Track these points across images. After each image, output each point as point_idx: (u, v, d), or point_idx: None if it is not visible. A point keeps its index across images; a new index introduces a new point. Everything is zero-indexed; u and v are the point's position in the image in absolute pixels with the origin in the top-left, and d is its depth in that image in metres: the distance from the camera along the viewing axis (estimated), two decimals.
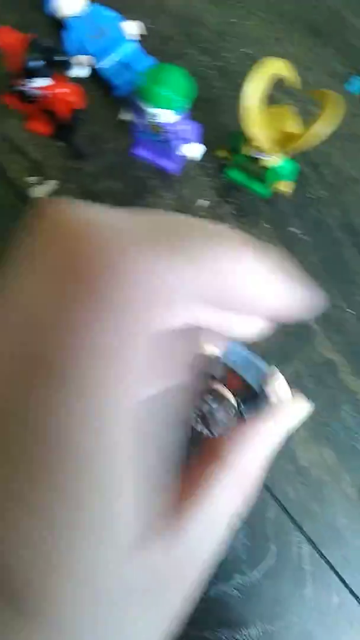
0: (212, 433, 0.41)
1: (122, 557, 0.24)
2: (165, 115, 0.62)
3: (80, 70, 0.70)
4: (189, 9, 0.76)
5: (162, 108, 0.61)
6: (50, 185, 0.73)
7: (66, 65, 0.61)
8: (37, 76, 0.62)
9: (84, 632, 0.24)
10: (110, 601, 0.25)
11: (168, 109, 0.61)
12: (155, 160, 0.70)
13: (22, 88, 0.63)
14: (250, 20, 0.77)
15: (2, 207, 0.69)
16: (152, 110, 0.61)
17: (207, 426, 0.42)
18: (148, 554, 0.26)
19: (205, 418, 0.42)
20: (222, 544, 0.36)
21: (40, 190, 0.72)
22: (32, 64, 0.60)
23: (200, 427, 0.41)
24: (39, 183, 0.72)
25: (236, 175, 0.71)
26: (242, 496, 0.38)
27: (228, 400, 0.42)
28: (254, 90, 0.54)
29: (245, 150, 0.65)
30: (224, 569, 0.63)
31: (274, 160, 0.64)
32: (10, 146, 0.72)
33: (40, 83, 0.63)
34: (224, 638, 0.63)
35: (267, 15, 0.77)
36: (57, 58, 0.61)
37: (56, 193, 0.72)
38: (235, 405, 0.44)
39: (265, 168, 0.66)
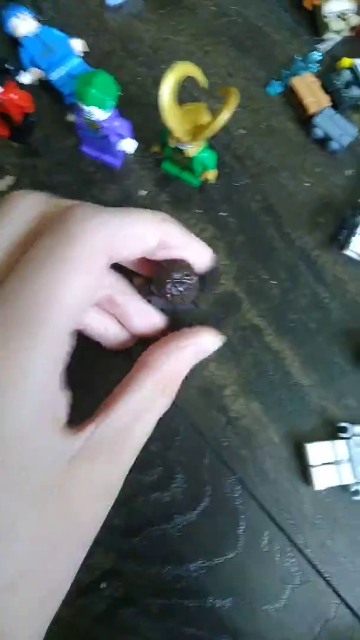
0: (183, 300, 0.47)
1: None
2: (97, 113, 0.63)
3: (26, 78, 0.67)
4: (128, 29, 0.77)
5: (93, 106, 0.63)
6: (8, 180, 0.74)
7: (14, 72, 0.63)
8: None
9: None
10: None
11: (97, 106, 0.63)
12: (99, 156, 0.67)
13: None
14: (181, 37, 0.79)
15: None
16: (85, 108, 0.64)
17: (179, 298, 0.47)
18: (82, 433, 0.37)
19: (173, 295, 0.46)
20: (146, 432, 0.43)
21: (1, 184, 0.74)
22: None
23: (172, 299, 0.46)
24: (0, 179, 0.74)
25: (169, 167, 0.68)
26: (161, 395, 0.43)
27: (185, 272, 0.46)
28: (166, 89, 0.55)
29: (170, 142, 0.62)
30: (165, 511, 0.59)
31: (193, 149, 0.62)
32: None
33: None
34: (166, 573, 0.62)
35: (196, 31, 0.79)
36: (6, 66, 0.64)
37: (14, 187, 0.74)
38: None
39: (189, 158, 0.64)
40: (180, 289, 0.46)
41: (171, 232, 0.43)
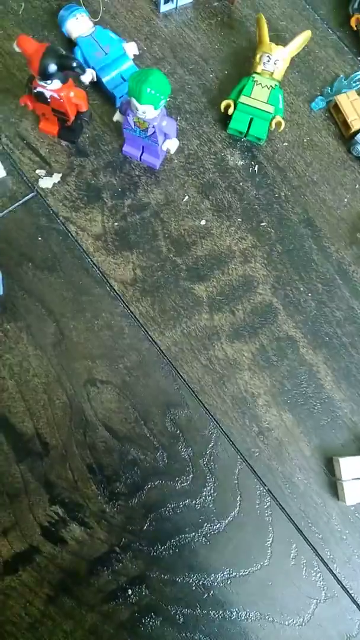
0: None
1: None
2: (148, 111, 0.49)
3: (87, 77, 0.52)
4: (179, 36, 0.63)
5: (145, 104, 0.48)
6: (55, 178, 0.59)
7: (78, 71, 0.49)
8: (51, 79, 0.49)
9: None
10: None
11: (150, 104, 0.48)
12: (141, 157, 0.52)
13: (38, 89, 0.51)
14: (230, 48, 0.64)
15: (14, 195, 0.55)
16: (138, 105, 0.49)
17: None
18: None
19: None
20: None
21: (47, 181, 0.59)
22: (48, 67, 0.48)
23: None
24: (46, 176, 0.59)
25: (237, 125, 0.54)
26: None
27: None
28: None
29: (256, 67, 0.53)
30: (195, 519, 0.45)
31: (279, 65, 0.53)
32: (24, 143, 0.53)
33: (53, 86, 0.49)
34: (192, 582, 0.50)
35: (246, 44, 0.63)
36: (71, 64, 0.49)
37: (59, 185, 0.59)
38: None
39: (272, 88, 0.52)
40: None
41: None
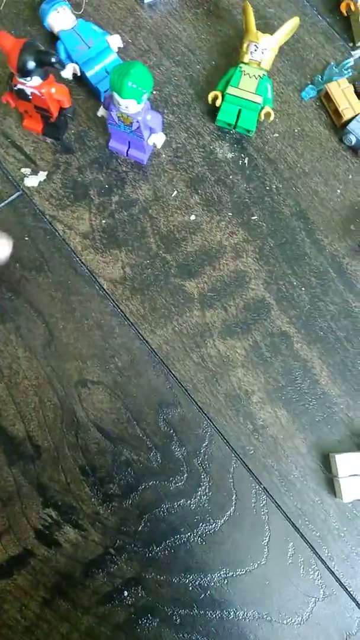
0: None
1: None
2: (131, 105, 0.46)
3: (68, 72, 0.50)
4: (164, 27, 0.60)
5: (127, 98, 0.46)
6: (41, 176, 0.57)
7: (57, 67, 0.46)
8: (31, 76, 0.47)
9: None
10: None
11: (132, 98, 0.46)
12: (127, 152, 0.50)
13: (19, 86, 0.49)
14: (218, 37, 0.61)
15: (0, 195, 0.51)
16: (120, 100, 0.47)
17: None
18: None
19: None
20: None
21: (32, 180, 0.57)
22: (27, 64, 0.46)
23: None
24: (31, 174, 0.58)
25: (226, 115, 0.51)
26: None
27: None
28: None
29: (244, 57, 0.51)
30: (190, 519, 0.44)
31: (267, 54, 0.50)
32: (8, 142, 0.51)
33: (33, 82, 0.46)
34: (189, 582, 0.49)
35: (234, 33, 0.60)
36: (50, 60, 0.47)
37: (45, 183, 0.58)
38: None
39: (260, 77, 0.50)
40: None
41: None
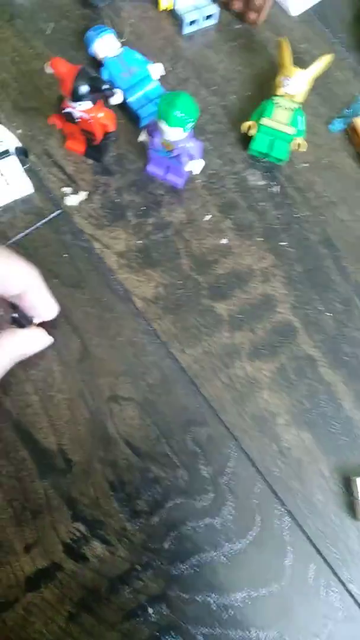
0: None
1: None
2: (176, 133, 0.46)
3: (117, 99, 0.50)
4: (202, 58, 0.60)
5: (173, 126, 0.47)
6: (81, 196, 0.56)
7: (108, 93, 0.48)
8: (82, 100, 0.49)
9: None
10: None
11: (178, 127, 0.47)
12: (164, 176, 0.51)
13: (69, 110, 0.48)
14: (252, 69, 0.62)
15: (41, 212, 0.50)
16: (166, 128, 0.48)
17: None
18: None
19: None
20: None
21: (73, 199, 0.58)
22: (80, 89, 0.46)
23: None
24: (72, 193, 0.59)
25: (258, 146, 0.52)
26: None
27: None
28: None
29: (277, 91, 0.52)
30: (215, 538, 0.43)
31: (301, 87, 0.52)
32: (50, 161, 0.52)
33: (84, 106, 0.45)
34: (212, 601, 0.49)
35: (267, 66, 0.62)
36: (102, 86, 0.48)
37: (85, 203, 0.59)
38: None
39: (293, 110, 0.51)
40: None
41: (34, 288, 0.42)
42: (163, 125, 0.43)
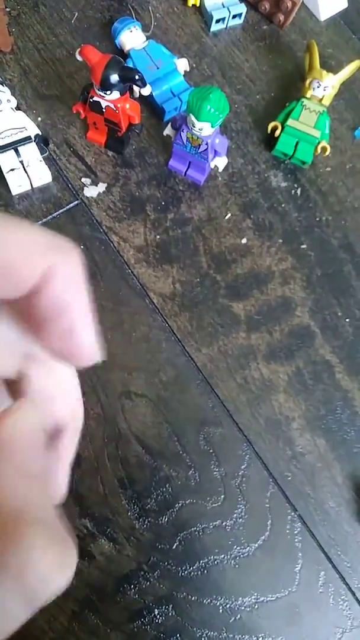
0: None
1: None
2: (205, 128, 0.46)
3: (146, 90, 0.49)
4: (228, 56, 0.62)
5: (203, 121, 0.48)
6: (100, 187, 0.57)
7: (139, 84, 0.48)
8: (111, 90, 0.46)
9: None
10: None
11: (208, 121, 0.47)
12: (186, 171, 0.52)
13: (96, 99, 0.47)
14: (278, 71, 0.64)
15: (59, 202, 0.51)
16: (195, 122, 0.48)
17: None
18: None
19: None
20: None
21: (92, 190, 0.59)
22: (110, 78, 0.44)
23: None
24: (91, 184, 0.59)
25: (283, 147, 0.53)
26: None
27: None
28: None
29: (306, 92, 0.53)
30: (225, 541, 0.44)
31: (328, 91, 0.53)
32: (71, 151, 0.52)
33: (112, 96, 0.45)
34: (220, 605, 0.49)
35: (292, 68, 0.63)
36: (134, 77, 0.48)
37: (104, 195, 0.59)
38: None
39: (320, 113, 0.53)
40: None
41: (62, 276, 0.15)
42: (192, 119, 0.43)
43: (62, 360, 0.17)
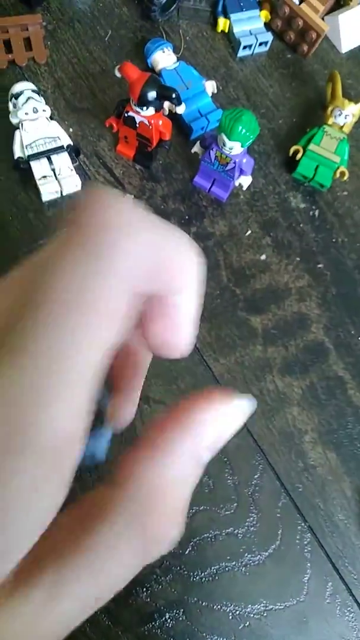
0: None
1: None
2: (236, 147, 0.48)
3: (181, 109, 0.52)
4: (253, 81, 0.66)
5: (234, 141, 0.50)
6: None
7: (174, 102, 0.51)
8: (147, 106, 0.48)
9: None
10: None
11: (239, 141, 0.49)
12: (210, 188, 0.54)
13: (131, 114, 0.49)
14: (300, 98, 0.68)
15: None
16: (228, 142, 0.51)
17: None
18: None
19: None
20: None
21: None
22: (148, 95, 0.46)
23: None
24: None
25: (305, 169, 0.56)
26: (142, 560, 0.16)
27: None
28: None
29: (328, 119, 0.56)
30: (236, 548, 0.45)
31: (349, 119, 0.56)
32: (100, 162, 0.55)
33: (147, 112, 0.48)
34: (229, 612, 0.50)
35: (313, 95, 0.67)
36: (171, 95, 0.50)
37: None
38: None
39: (340, 140, 0.55)
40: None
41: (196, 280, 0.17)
42: (224, 139, 0.46)
43: (157, 351, 0.18)
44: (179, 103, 0.47)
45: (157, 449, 0.16)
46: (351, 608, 0.46)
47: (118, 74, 0.47)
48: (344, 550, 0.47)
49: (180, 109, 0.50)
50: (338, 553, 0.47)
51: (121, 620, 0.43)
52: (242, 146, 0.47)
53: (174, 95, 0.46)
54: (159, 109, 0.48)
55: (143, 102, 0.46)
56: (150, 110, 0.47)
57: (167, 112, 0.55)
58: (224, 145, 0.47)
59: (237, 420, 0.18)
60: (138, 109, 0.47)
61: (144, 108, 0.47)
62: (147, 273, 0.15)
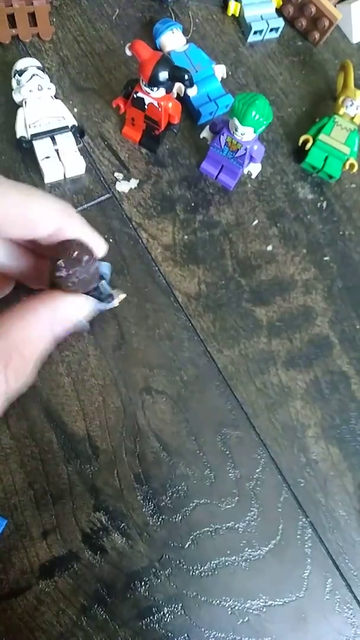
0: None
1: None
2: (248, 133, 0.46)
3: (193, 91, 0.51)
4: (262, 67, 0.64)
5: (247, 126, 0.49)
6: (132, 183, 0.55)
7: (186, 84, 0.49)
8: (158, 87, 0.46)
9: None
10: None
11: (251, 127, 0.45)
12: (217, 176, 0.53)
13: (141, 95, 0.47)
14: (310, 87, 0.67)
15: (90, 194, 0.52)
16: (240, 127, 0.50)
17: None
18: None
19: None
20: None
21: (124, 185, 0.59)
22: (160, 75, 0.44)
23: None
24: (123, 179, 0.60)
25: (314, 160, 0.55)
26: (3, 370, 0.25)
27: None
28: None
29: (339, 109, 0.55)
30: (237, 543, 0.45)
31: None
32: (104, 144, 0.53)
33: (157, 94, 0.46)
34: (228, 606, 0.50)
35: (324, 85, 0.66)
36: (184, 76, 0.48)
37: (135, 191, 0.60)
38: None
39: (350, 131, 0.55)
40: (72, 271, 0.29)
41: (69, 226, 0.30)
42: (236, 123, 0.45)
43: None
44: (190, 85, 0.45)
45: (23, 312, 0.27)
46: (350, 605, 0.46)
47: (129, 52, 0.45)
48: (345, 547, 0.47)
49: (192, 91, 0.49)
50: (338, 549, 0.47)
51: (119, 614, 0.42)
52: (254, 132, 0.45)
53: (186, 77, 0.44)
54: (169, 90, 0.46)
55: (154, 82, 0.45)
56: (161, 92, 0.46)
57: (175, 95, 0.54)
58: (236, 130, 0.45)
59: (84, 308, 0.30)
60: (148, 90, 0.46)
61: (154, 89, 0.46)
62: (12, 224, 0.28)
